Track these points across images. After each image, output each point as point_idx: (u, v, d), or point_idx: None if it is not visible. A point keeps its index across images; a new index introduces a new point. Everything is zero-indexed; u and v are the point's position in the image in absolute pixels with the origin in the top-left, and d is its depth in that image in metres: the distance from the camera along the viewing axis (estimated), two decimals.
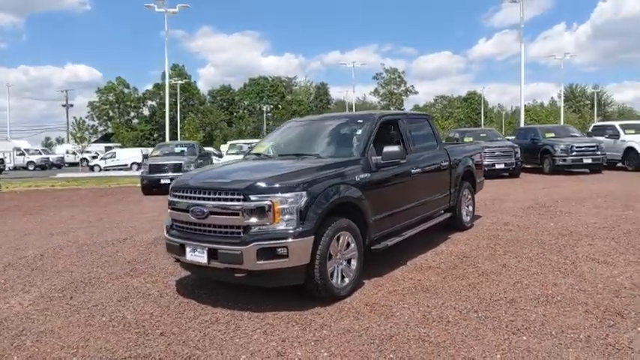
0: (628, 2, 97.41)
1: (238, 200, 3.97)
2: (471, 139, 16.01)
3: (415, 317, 3.83)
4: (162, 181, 15.39)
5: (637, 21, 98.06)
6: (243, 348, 3.41)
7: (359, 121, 5.44)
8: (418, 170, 5.64)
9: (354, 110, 53.67)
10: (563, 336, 3.37)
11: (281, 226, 3.93)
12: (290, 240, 3.87)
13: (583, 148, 15.27)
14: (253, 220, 3.92)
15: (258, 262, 3.87)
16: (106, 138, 68.73)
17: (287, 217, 3.94)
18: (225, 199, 4.04)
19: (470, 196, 7.32)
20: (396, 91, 76.81)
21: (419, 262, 5.46)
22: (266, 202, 3.90)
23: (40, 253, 6.70)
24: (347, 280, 4.40)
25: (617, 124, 17.36)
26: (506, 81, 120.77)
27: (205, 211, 4.09)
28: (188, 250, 4.20)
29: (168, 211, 4.66)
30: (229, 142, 21.88)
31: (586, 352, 3.12)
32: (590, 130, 18.40)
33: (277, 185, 4.02)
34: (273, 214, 3.90)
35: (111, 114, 75.03)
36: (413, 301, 4.18)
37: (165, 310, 4.22)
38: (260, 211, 3.90)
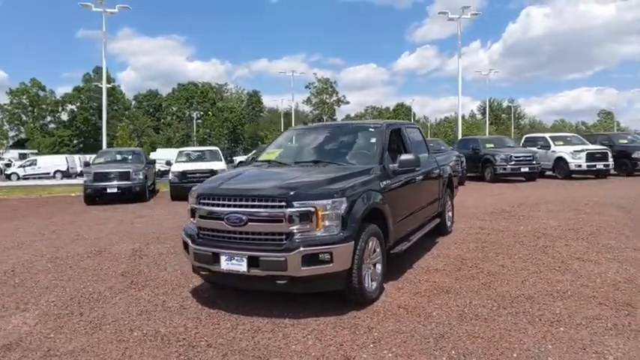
0: (534, 25, 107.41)
1: (280, 207, 3.95)
2: None
3: (453, 316, 4.02)
4: (109, 190, 14.56)
5: (542, 42, 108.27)
6: (305, 354, 3.40)
7: (370, 129, 5.59)
8: (421, 177, 5.91)
9: (293, 120, 53.87)
10: (594, 325, 3.73)
11: (323, 232, 3.96)
12: (334, 245, 3.91)
13: (521, 158, 16.61)
14: (296, 226, 3.91)
15: (303, 269, 3.87)
16: (19, 144, 63.24)
17: (328, 222, 3.98)
18: (267, 206, 3.99)
19: (450, 203, 7.72)
20: (328, 100, 78.21)
21: (423, 265, 5.70)
22: (309, 209, 3.91)
23: (9, 269, 6.12)
24: (375, 283, 4.51)
25: (547, 135, 19.04)
26: (427, 94, 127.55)
27: (244, 218, 4.01)
28: (223, 259, 4.08)
29: (192, 219, 4.50)
30: (178, 150, 20.98)
31: (621, 339, 3.49)
32: (522, 141, 20.00)
33: (319, 191, 4.05)
34: (317, 220, 3.93)
35: (24, 118, 69.21)
36: (441, 302, 4.38)
37: (198, 322, 4.06)
38: (303, 218, 3.91)
